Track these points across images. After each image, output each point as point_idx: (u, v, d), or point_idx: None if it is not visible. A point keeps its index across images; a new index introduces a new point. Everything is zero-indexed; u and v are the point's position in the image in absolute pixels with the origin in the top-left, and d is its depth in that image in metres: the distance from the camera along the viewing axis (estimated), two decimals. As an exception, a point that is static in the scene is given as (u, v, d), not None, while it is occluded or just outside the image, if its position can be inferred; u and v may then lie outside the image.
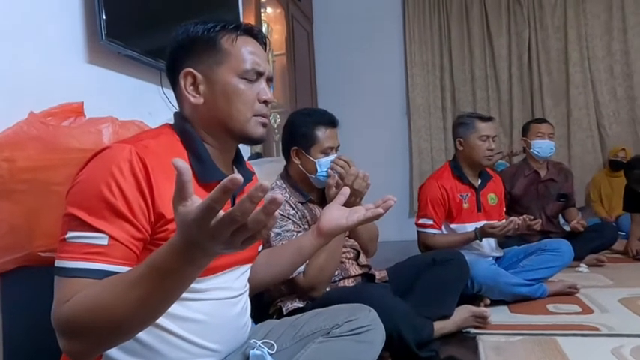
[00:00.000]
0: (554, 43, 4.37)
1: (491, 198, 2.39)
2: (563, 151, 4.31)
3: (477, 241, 2.23)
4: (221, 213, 0.57)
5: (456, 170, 2.36)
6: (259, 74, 0.96)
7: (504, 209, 2.53)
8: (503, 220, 2.18)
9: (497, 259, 2.37)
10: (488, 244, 2.34)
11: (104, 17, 1.56)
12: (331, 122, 1.63)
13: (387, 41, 4.74)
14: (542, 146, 2.93)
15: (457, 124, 2.40)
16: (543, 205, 3.00)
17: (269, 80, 0.99)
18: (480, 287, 2.03)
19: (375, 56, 4.73)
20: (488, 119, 2.35)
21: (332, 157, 1.61)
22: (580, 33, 4.28)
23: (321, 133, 1.60)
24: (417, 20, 4.65)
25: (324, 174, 1.59)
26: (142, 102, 1.86)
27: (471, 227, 2.25)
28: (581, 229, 2.85)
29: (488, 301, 2.06)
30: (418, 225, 2.34)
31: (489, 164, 2.39)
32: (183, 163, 0.57)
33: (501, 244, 2.47)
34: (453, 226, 2.32)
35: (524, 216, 2.18)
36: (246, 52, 0.95)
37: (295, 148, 1.63)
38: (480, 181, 2.38)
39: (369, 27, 4.73)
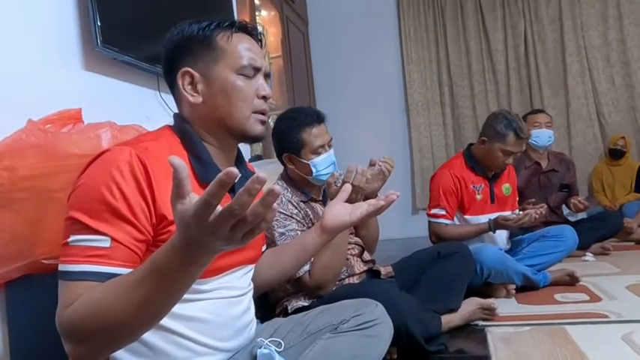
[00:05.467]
0: (550, 33, 4.36)
1: (506, 188, 2.34)
2: (564, 142, 4.30)
3: (490, 232, 2.20)
4: (219, 208, 0.56)
5: (469, 160, 2.31)
6: (256, 70, 0.96)
7: (517, 198, 2.49)
8: (518, 212, 2.15)
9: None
10: (501, 237, 2.31)
11: (99, 24, 1.56)
12: (317, 120, 1.59)
13: (383, 39, 4.74)
14: (540, 135, 2.91)
15: (491, 125, 2.23)
16: (546, 196, 2.99)
17: (266, 76, 0.99)
18: (489, 273, 2.00)
19: (372, 54, 4.73)
20: (523, 137, 2.19)
21: (325, 155, 1.58)
22: (575, 23, 4.28)
23: (307, 134, 1.57)
24: (411, 17, 4.65)
25: (322, 173, 1.58)
26: (139, 107, 1.86)
27: (484, 219, 2.22)
28: (581, 207, 2.80)
29: (513, 285, 2.04)
30: (430, 215, 2.29)
31: (498, 171, 2.33)
32: (180, 161, 0.56)
33: (509, 235, 2.46)
34: (467, 217, 2.28)
35: (542, 208, 2.13)
36: (243, 48, 0.95)
37: (286, 154, 1.62)
38: (493, 172, 2.33)
39: (364, 26, 4.73)
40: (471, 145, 2.39)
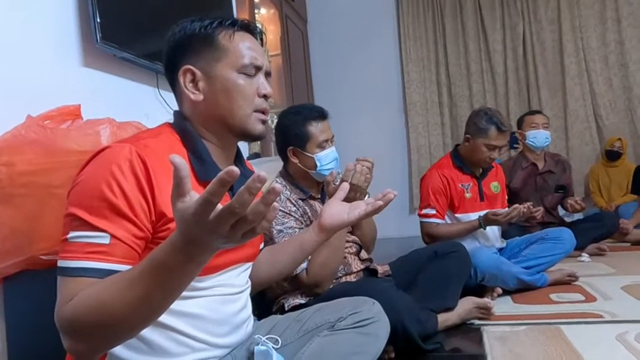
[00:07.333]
0: (549, 35, 4.37)
1: (494, 186, 2.39)
2: (561, 143, 4.32)
3: (482, 229, 2.23)
4: (219, 206, 0.57)
5: (456, 160, 2.37)
6: (258, 69, 0.96)
7: (506, 197, 2.52)
8: (507, 208, 2.18)
9: (499, 250, 2.37)
10: (493, 233, 2.34)
11: (98, 20, 1.56)
12: (321, 115, 1.62)
13: (382, 38, 4.74)
14: (537, 136, 2.93)
15: (473, 122, 2.29)
16: (542, 197, 3.00)
17: (267, 75, 0.99)
18: (484, 276, 2.03)
19: (371, 54, 4.73)
20: (504, 130, 2.24)
21: (329, 150, 1.60)
22: (574, 24, 4.29)
23: (313, 127, 1.59)
24: (411, 16, 4.66)
25: (326, 167, 1.58)
26: (138, 104, 1.86)
27: (474, 216, 2.26)
28: (578, 208, 2.83)
29: (499, 291, 2.05)
30: (421, 215, 2.33)
31: (486, 167, 2.38)
32: (180, 159, 0.56)
33: (504, 235, 2.47)
34: (458, 215, 2.31)
35: (528, 203, 2.17)
36: (244, 47, 0.95)
37: (291, 147, 1.62)
38: (481, 170, 2.38)
39: (363, 25, 4.73)
40: (458, 145, 2.44)
